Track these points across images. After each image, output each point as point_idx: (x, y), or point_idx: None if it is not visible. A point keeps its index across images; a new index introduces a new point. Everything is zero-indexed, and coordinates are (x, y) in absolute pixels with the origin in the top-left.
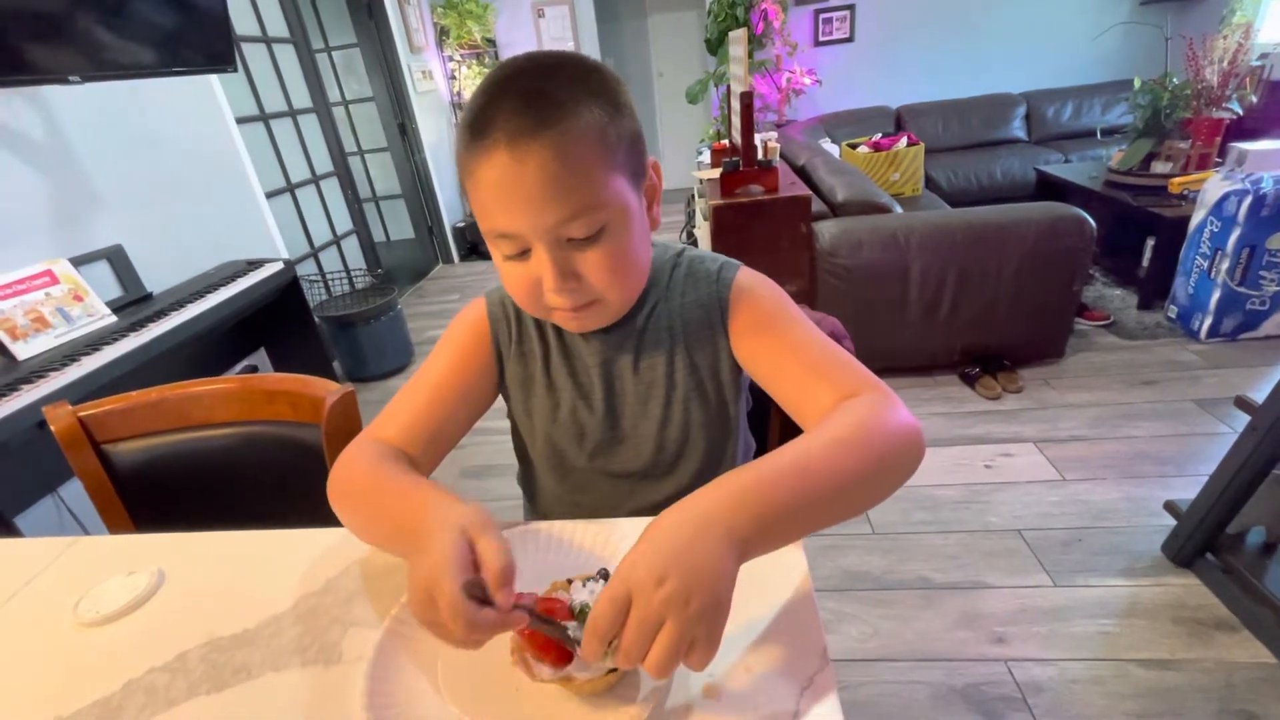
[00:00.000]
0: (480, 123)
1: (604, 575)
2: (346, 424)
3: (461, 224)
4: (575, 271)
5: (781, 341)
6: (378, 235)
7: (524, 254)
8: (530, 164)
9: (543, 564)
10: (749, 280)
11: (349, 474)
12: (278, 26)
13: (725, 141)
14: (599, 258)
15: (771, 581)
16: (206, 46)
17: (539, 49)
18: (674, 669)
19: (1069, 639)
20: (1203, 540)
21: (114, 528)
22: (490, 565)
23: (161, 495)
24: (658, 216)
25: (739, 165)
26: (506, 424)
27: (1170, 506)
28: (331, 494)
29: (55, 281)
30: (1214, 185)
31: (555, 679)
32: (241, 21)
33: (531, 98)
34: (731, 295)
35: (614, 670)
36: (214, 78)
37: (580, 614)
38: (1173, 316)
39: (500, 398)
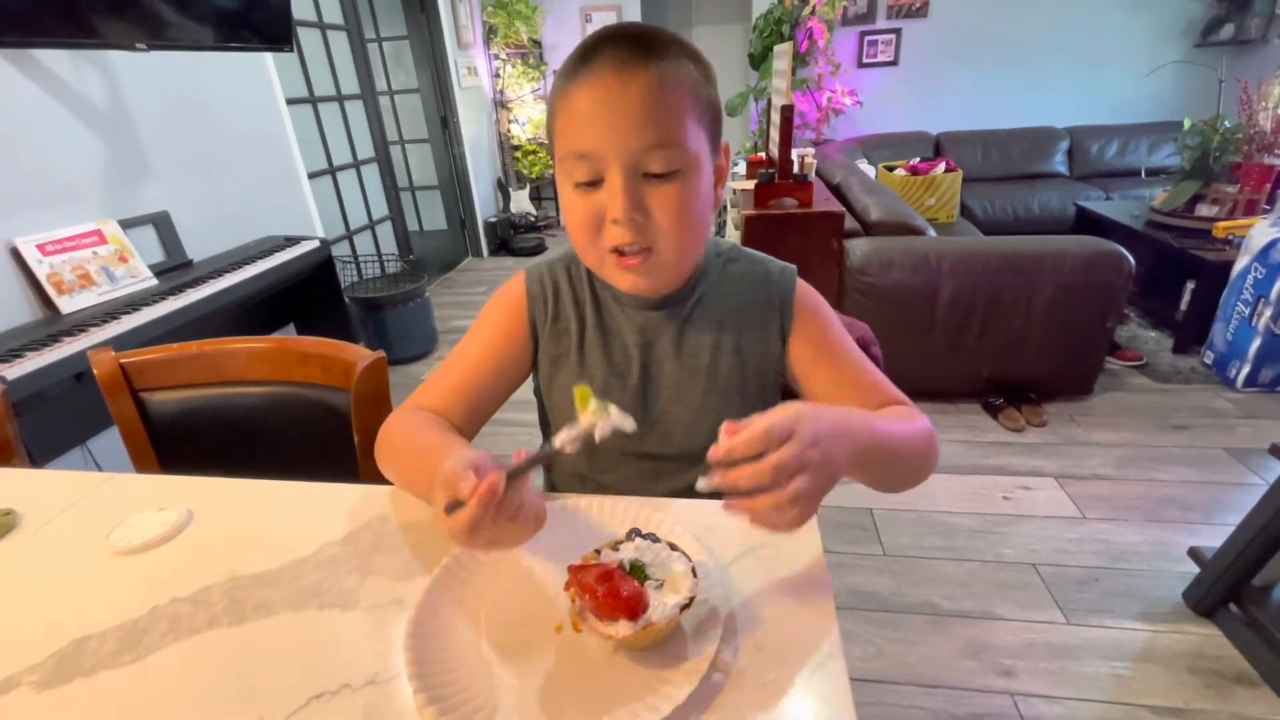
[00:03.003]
0: (589, 54)
1: (636, 534)
2: (375, 390)
3: (493, 219)
4: (644, 205)
5: (836, 356)
6: (411, 224)
7: (595, 183)
8: (634, 87)
9: (567, 537)
10: (809, 289)
11: (395, 437)
12: (333, 13)
13: (762, 154)
14: (669, 195)
15: (788, 566)
16: (267, 27)
17: None
18: (782, 507)
19: (1079, 678)
20: (1226, 590)
21: (144, 474)
22: (449, 485)
23: (192, 446)
24: (721, 196)
25: (774, 177)
26: (520, 415)
27: (1195, 553)
28: (379, 453)
29: (103, 241)
30: (1261, 231)
31: (636, 631)
32: (299, 6)
33: (639, 40)
34: (796, 302)
35: (686, 607)
36: (269, 58)
37: (634, 569)
38: (1209, 362)
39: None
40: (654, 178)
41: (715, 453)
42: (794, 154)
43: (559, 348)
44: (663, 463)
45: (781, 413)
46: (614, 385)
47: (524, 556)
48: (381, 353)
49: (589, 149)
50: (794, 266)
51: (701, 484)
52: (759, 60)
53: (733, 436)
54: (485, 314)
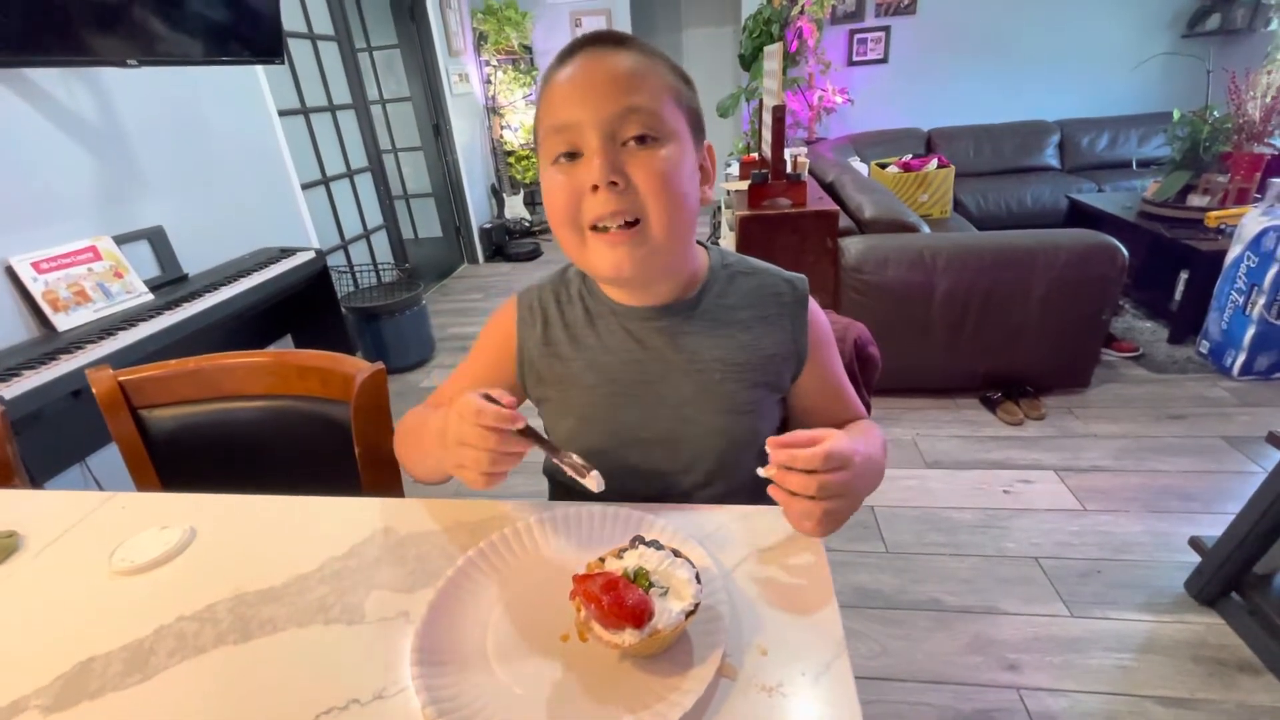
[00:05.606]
0: (569, 51)
1: (640, 541)
2: (375, 402)
3: (488, 225)
4: (623, 171)
5: (836, 386)
6: (406, 232)
7: (574, 156)
8: (607, 62)
9: (571, 546)
10: (817, 310)
11: (405, 427)
12: (323, 24)
13: (755, 155)
14: (649, 160)
15: (791, 569)
16: (257, 39)
17: None
18: (813, 517)
19: (1084, 671)
20: (1228, 579)
21: (144, 491)
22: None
23: (192, 462)
24: (709, 197)
25: (767, 178)
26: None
27: (1195, 543)
28: (397, 443)
29: (98, 258)
30: (1252, 220)
31: (642, 639)
32: (289, 17)
33: (617, 38)
34: (810, 328)
35: (691, 613)
36: (260, 71)
37: (638, 577)
38: (1204, 352)
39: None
40: (633, 144)
41: (779, 456)
42: (787, 154)
43: (556, 370)
44: (671, 479)
45: (844, 441)
46: (619, 401)
47: (529, 565)
48: (380, 365)
49: (566, 121)
50: (805, 279)
51: (760, 471)
52: (749, 61)
53: (801, 442)
54: (482, 336)
